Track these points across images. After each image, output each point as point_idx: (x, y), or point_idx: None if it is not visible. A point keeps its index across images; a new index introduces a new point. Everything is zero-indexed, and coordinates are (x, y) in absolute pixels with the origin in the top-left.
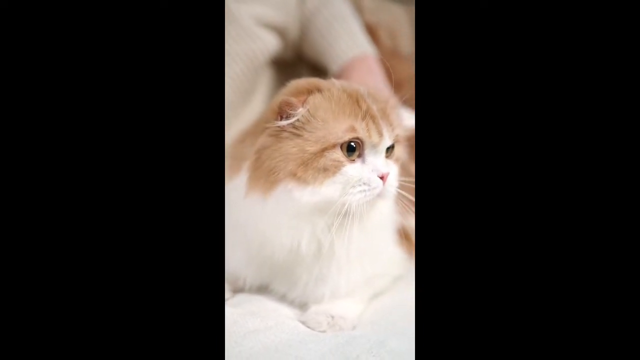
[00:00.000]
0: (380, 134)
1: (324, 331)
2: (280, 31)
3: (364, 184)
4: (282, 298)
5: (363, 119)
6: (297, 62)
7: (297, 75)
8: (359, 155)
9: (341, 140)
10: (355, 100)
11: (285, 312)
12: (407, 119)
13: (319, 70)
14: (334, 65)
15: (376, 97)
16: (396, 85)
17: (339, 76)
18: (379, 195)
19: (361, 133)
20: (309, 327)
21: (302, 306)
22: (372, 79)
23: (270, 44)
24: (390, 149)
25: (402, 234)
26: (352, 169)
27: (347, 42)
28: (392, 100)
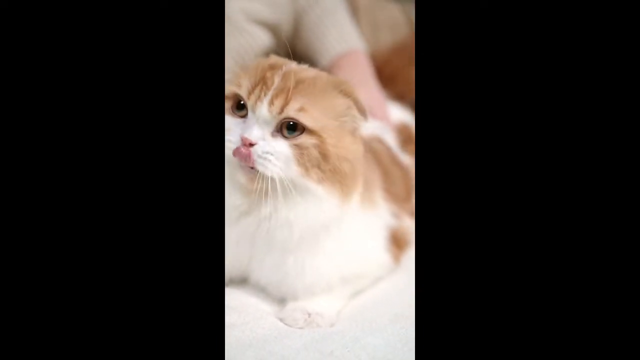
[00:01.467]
0: (259, 100)
1: (301, 328)
2: (272, 28)
3: (229, 138)
4: (263, 291)
5: (257, 83)
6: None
7: None
8: (244, 116)
9: (227, 91)
10: (269, 69)
11: (264, 308)
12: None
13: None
14: (323, 60)
15: (303, 78)
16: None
17: (327, 71)
18: (245, 160)
19: (242, 91)
20: (286, 324)
21: (282, 301)
22: (358, 74)
23: (260, 40)
24: (292, 131)
25: (393, 238)
26: (228, 120)
27: (336, 38)
28: (337, 89)
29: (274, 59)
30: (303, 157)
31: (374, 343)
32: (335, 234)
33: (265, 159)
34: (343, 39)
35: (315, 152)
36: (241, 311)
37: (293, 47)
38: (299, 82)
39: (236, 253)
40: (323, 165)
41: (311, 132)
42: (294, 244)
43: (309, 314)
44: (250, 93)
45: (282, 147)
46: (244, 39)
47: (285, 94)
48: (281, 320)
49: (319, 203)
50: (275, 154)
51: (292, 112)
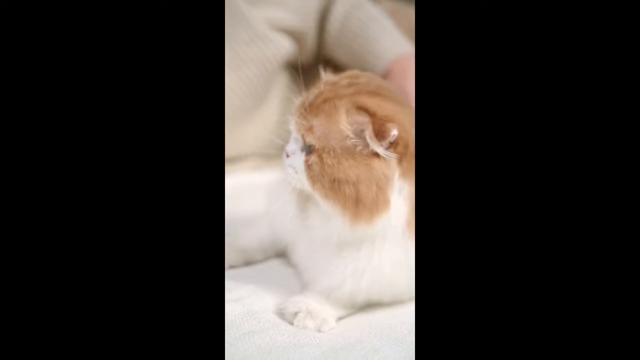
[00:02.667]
0: (294, 116)
1: (303, 326)
2: (296, 35)
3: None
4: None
5: (303, 100)
6: (314, 66)
7: (313, 79)
8: None
9: None
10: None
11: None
12: None
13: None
14: (379, 64)
15: (331, 97)
16: None
17: (383, 76)
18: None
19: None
20: (284, 313)
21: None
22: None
23: (283, 48)
24: (309, 147)
25: None
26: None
27: (388, 42)
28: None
29: (347, 75)
30: (310, 172)
31: (394, 356)
32: (367, 255)
33: (287, 171)
34: (394, 42)
35: (317, 169)
36: (261, 318)
37: (333, 56)
38: (325, 101)
39: (284, 229)
40: (324, 182)
41: (316, 150)
42: (317, 246)
43: (310, 312)
44: (296, 109)
45: (299, 161)
46: (267, 48)
47: (305, 112)
48: (281, 310)
49: (328, 217)
50: (295, 168)
51: (303, 130)
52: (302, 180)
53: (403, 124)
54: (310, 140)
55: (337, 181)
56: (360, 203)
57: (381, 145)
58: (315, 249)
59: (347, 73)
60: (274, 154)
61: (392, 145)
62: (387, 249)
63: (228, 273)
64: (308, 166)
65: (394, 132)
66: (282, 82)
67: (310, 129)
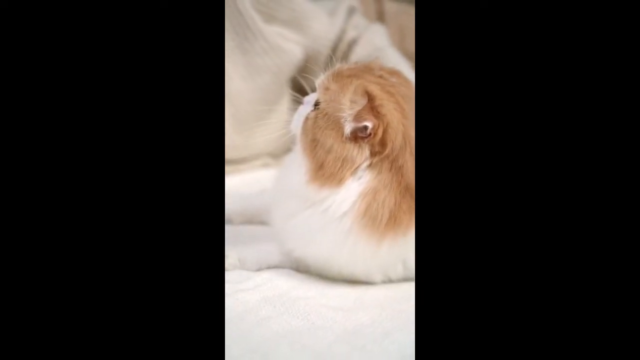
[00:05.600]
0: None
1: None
2: (309, 52)
3: None
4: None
5: None
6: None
7: None
8: None
9: None
10: None
11: (297, 294)
12: None
13: None
14: None
15: (354, 72)
16: None
17: None
18: None
19: None
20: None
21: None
22: None
23: (295, 57)
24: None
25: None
26: None
27: None
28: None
29: (388, 70)
30: (305, 123)
31: (403, 339)
32: (308, 217)
33: (295, 115)
34: None
35: (309, 124)
36: (276, 303)
37: None
38: (350, 75)
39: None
40: (308, 137)
41: (319, 109)
42: (280, 197)
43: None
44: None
45: (305, 111)
46: (280, 59)
47: (332, 75)
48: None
49: (296, 168)
50: (300, 114)
51: (322, 88)
52: (297, 127)
53: (393, 127)
54: (321, 98)
55: (316, 141)
56: (322, 168)
57: (350, 124)
58: (278, 201)
59: (391, 69)
60: (281, 153)
61: (369, 136)
62: (324, 220)
63: None
64: (307, 118)
65: (367, 124)
66: (291, 88)
67: (326, 89)
